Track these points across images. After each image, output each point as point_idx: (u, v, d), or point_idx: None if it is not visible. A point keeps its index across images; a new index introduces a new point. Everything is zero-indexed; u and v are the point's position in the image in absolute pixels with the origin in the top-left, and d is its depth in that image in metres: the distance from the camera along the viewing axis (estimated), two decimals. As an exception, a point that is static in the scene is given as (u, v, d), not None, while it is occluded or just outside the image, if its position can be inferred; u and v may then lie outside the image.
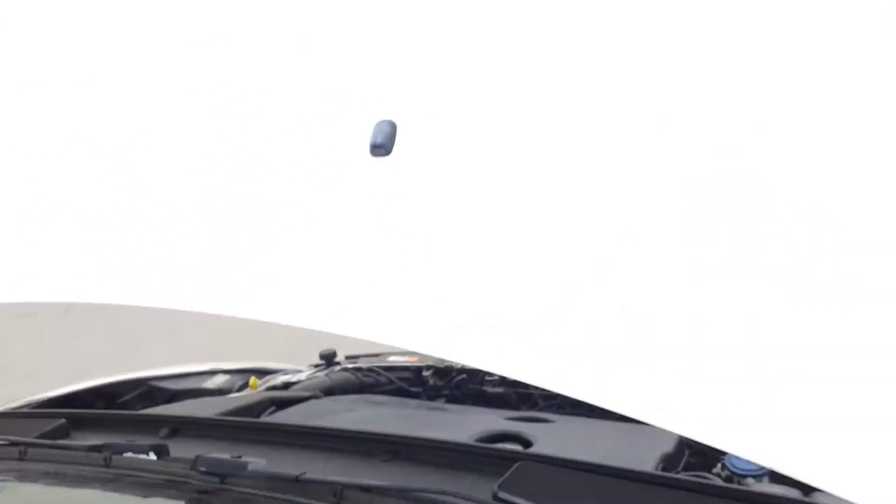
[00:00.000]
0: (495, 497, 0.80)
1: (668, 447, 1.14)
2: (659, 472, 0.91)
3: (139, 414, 1.36)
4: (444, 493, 0.80)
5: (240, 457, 0.90)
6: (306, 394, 1.56)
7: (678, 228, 0.68)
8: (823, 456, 0.58)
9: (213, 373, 1.82)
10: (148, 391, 1.71)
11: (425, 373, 1.70)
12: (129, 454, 0.97)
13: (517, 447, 1.08)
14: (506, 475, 0.83)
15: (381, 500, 0.83)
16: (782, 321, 0.62)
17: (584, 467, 0.88)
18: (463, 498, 0.80)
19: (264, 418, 1.34)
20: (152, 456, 0.97)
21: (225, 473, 0.88)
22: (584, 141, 0.73)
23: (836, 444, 0.58)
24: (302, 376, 1.76)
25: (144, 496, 0.96)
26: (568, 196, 0.72)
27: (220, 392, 1.73)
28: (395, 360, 1.77)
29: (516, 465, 0.86)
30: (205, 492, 0.89)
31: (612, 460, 0.90)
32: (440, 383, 1.68)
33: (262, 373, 1.83)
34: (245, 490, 0.87)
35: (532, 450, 1.09)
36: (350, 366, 1.76)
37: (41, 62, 1.03)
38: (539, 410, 1.46)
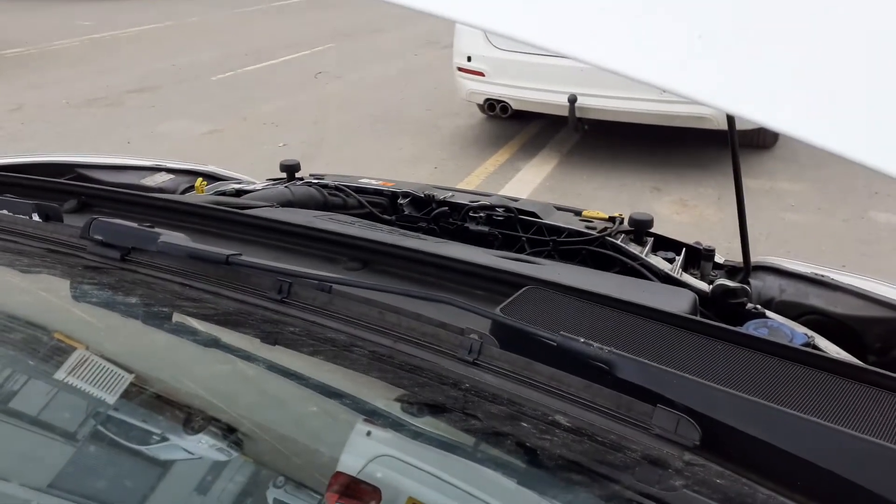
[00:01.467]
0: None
1: (684, 305, 0.96)
2: (672, 312, 0.72)
3: (39, 180, 1.09)
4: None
5: (151, 226, 0.67)
6: (261, 203, 1.32)
7: None
8: None
9: (154, 169, 1.56)
10: (75, 179, 1.45)
11: (401, 200, 1.47)
12: (5, 212, 0.73)
13: (522, 270, 0.86)
14: (512, 297, 0.63)
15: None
16: None
17: (606, 301, 0.68)
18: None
19: (189, 198, 1.10)
20: (37, 218, 0.73)
21: (127, 246, 0.65)
22: None
23: None
24: (257, 186, 1.51)
25: (21, 270, 0.73)
26: None
27: (160, 192, 1.48)
28: (366, 182, 1.53)
29: (524, 288, 0.66)
30: (95, 269, 0.66)
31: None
32: (416, 214, 1.45)
33: (211, 178, 1.58)
34: (144, 272, 0.64)
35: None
36: (314, 181, 1.52)
37: None
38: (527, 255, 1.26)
